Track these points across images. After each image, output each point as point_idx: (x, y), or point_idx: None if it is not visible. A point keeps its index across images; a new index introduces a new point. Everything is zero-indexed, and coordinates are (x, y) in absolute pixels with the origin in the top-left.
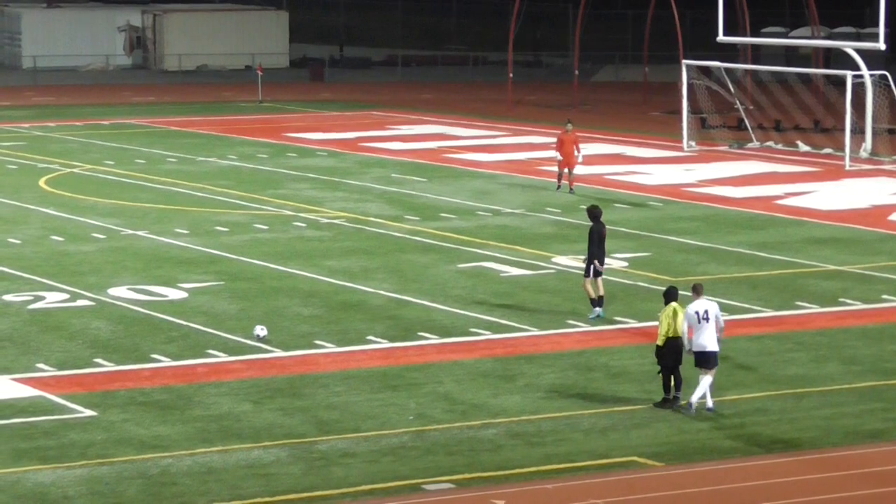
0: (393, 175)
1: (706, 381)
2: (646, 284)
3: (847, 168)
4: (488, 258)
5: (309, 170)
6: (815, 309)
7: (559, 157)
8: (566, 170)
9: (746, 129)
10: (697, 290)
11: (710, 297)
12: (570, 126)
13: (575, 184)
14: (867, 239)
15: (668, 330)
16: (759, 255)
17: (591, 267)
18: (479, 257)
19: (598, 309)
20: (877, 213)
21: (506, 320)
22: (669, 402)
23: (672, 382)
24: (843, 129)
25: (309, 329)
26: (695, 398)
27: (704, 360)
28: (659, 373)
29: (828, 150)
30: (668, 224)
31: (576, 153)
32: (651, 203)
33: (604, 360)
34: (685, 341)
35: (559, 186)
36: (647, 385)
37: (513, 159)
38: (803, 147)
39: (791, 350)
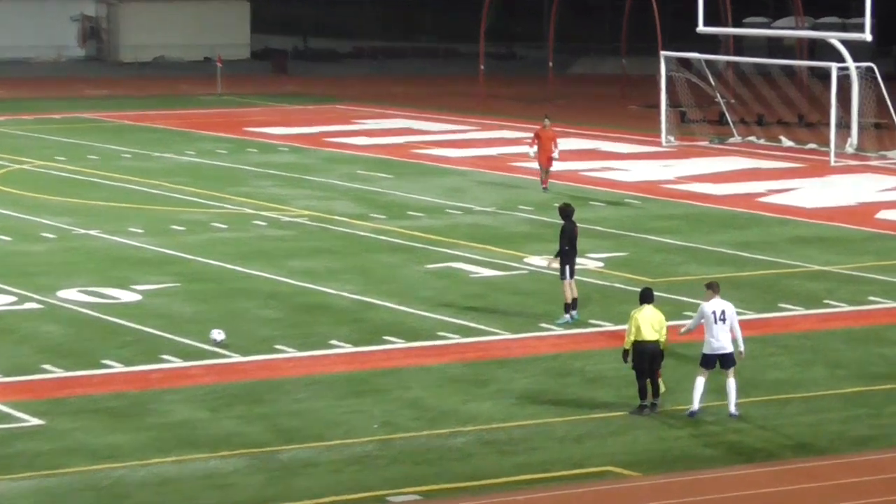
0: (359, 172)
1: (732, 385)
2: (622, 286)
3: (832, 164)
4: (458, 258)
5: (271, 166)
6: (800, 311)
7: (531, 153)
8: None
9: (728, 123)
10: (714, 289)
11: (709, 299)
12: (547, 122)
13: (549, 181)
14: (853, 238)
15: (646, 332)
16: (741, 254)
17: (567, 268)
18: (449, 257)
19: (567, 315)
20: (863, 211)
21: (476, 323)
22: (646, 408)
23: (650, 388)
24: (828, 124)
25: (270, 333)
26: (732, 405)
27: (725, 360)
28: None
29: (812, 146)
30: (646, 223)
31: (553, 150)
32: (628, 201)
33: (579, 365)
34: (662, 343)
35: (546, 188)
36: (624, 391)
37: (484, 155)
38: (787, 142)
39: (774, 354)
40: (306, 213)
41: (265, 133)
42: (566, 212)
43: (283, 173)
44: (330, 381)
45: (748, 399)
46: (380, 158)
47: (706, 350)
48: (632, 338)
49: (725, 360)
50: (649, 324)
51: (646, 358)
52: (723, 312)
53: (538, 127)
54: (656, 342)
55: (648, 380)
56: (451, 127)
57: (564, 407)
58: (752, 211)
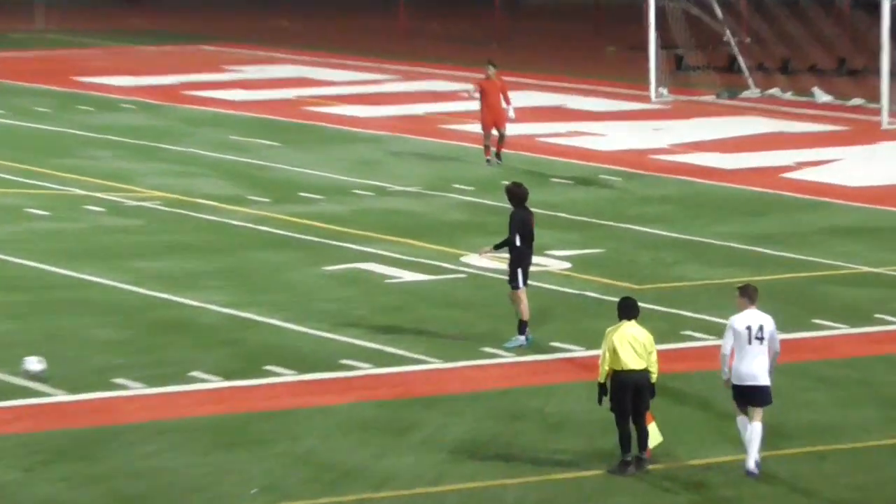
0: (232, 137)
1: (756, 430)
2: (597, 294)
3: (885, 126)
4: (370, 257)
5: (111, 130)
6: (840, 329)
7: (470, 92)
8: (494, 131)
9: (741, 71)
10: (750, 296)
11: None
12: (491, 69)
13: (504, 150)
14: None
15: (628, 359)
16: (758, 251)
17: (520, 272)
18: (357, 256)
19: (522, 337)
20: None
21: (395, 348)
22: (630, 464)
23: (635, 435)
24: (877, 72)
25: (107, 361)
26: (752, 459)
27: (754, 396)
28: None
29: (857, 101)
30: (630, 207)
31: (504, 106)
32: (605, 177)
33: (537, 405)
34: (653, 375)
35: (489, 159)
36: (600, 440)
37: (406, 115)
38: (822, 97)
39: (807, 389)
40: (159, 194)
41: (103, 84)
42: (517, 194)
43: (128, 140)
44: (190, 428)
45: (773, 452)
46: (262, 119)
47: (735, 380)
48: (607, 367)
49: (756, 396)
50: (630, 347)
51: (628, 394)
52: (760, 329)
53: (480, 76)
54: (642, 372)
55: (635, 425)
56: (360, 76)
57: (517, 463)
58: (774, 191)
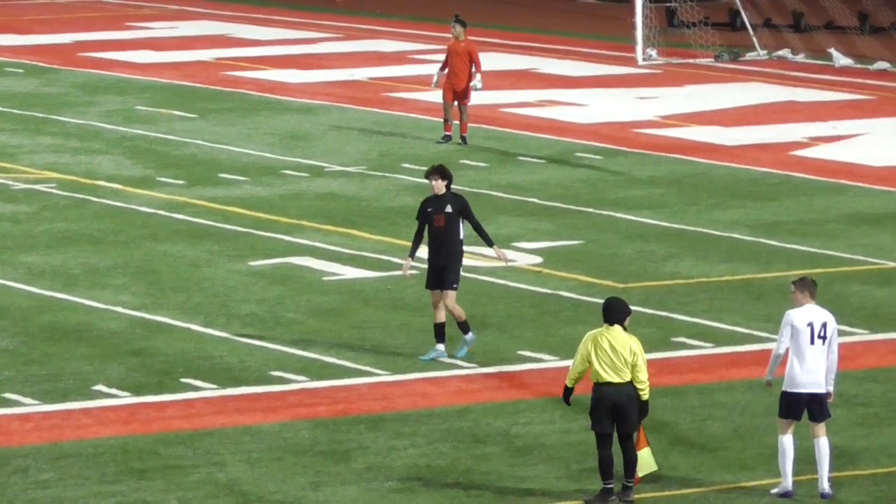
0: (139, 108)
1: (823, 446)
2: (573, 295)
3: None
4: (303, 250)
5: None
6: (863, 335)
7: (435, 81)
8: (455, 103)
9: (745, 27)
10: (810, 289)
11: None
12: (458, 28)
13: (469, 126)
14: None
15: (603, 370)
16: (766, 243)
17: (447, 274)
18: (288, 248)
19: (441, 346)
20: None
21: (334, 357)
22: (610, 493)
23: (621, 458)
24: None
25: None
26: (825, 479)
27: (814, 407)
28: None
29: (882, 65)
30: (612, 191)
31: (470, 74)
32: (582, 155)
33: (502, 425)
34: (643, 387)
35: (448, 135)
36: (574, 465)
37: (345, 80)
38: (841, 59)
39: (834, 404)
40: (51, 175)
41: None
42: (441, 173)
43: (14, 110)
44: (92, 452)
45: (769, 481)
46: (173, 85)
47: (789, 387)
48: (576, 374)
49: (816, 407)
50: (608, 356)
51: (603, 411)
52: (823, 327)
53: (447, 36)
54: (623, 386)
55: (620, 447)
56: (291, 34)
57: (479, 493)
58: (784, 171)
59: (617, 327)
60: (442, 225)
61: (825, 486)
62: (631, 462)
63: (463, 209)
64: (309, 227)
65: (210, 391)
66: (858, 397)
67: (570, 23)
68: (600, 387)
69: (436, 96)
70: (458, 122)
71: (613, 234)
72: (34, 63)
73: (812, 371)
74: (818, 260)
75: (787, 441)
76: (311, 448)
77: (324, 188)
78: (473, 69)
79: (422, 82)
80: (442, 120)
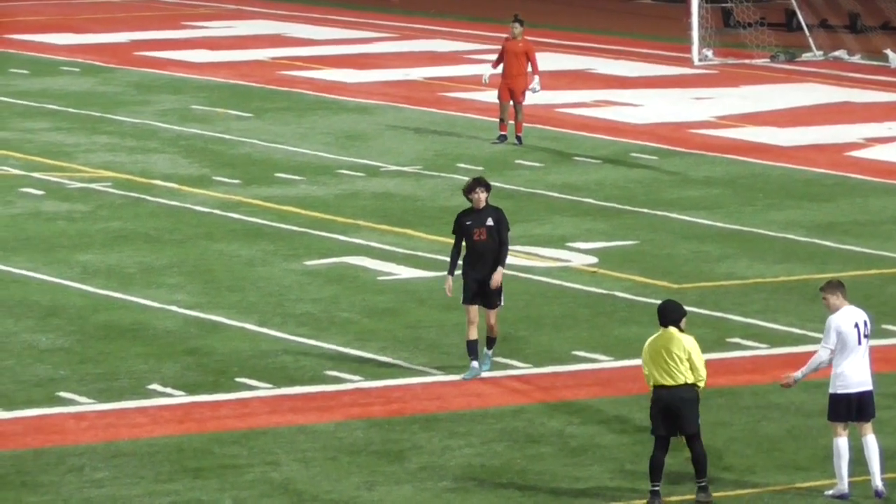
0: (194, 107)
1: (872, 444)
2: (627, 296)
3: None
4: (359, 250)
5: (49, 97)
6: None
7: (486, 78)
8: (511, 102)
9: (801, 28)
10: (842, 290)
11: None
12: (517, 28)
13: (524, 126)
14: None
15: (658, 374)
16: (821, 243)
17: (469, 283)
18: (343, 248)
19: (476, 363)
20: None
21: (388, 356)
22: (658, 497)
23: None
24: None
25: (47, 372)
26: (878, 478)
27: (864, 406)
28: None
29: None
30: (667, 192)
31: (529, 72)
32: (637, 156)
33: (557, 426)
34: (700, 383)
35: (504, 134)
36: (628, 466)
37: (401, 80)
38: None
39: (888, 406)
40: (107, 174)
41: (38, 43)
42: (483, 184)
43: (70, 109)
44: (149, 450)
45: (814, 482)
46: (229, 85)
47: (839, 388)
48: (648, 380)
49: (867, 406)
50: (663, 359)
51: (660, 412)
52: (865, 326)
53: (502, 36)
54: (679, 388)
55: (689, 446)
56: (346, 34)
57: (533, 493)
58: (840, 172)
59: (672, 329)
60: (484, 238)
61: (878, 483)
62: (698, 462)
63: (501, 222)
64: (364, 226)
65: (265, 390)
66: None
67: (626, 23)
68: (655, 390)
69: (491, 96)
70: (513, 121)
71: (668, 234)
72: (90, 62)
73: (861, 371)
74: (873, 261)
75: (842, 443)
76: (365, 448)
77: (379, 188)
78: (530, 70)
79: (477, 82)
80: (497, 119)
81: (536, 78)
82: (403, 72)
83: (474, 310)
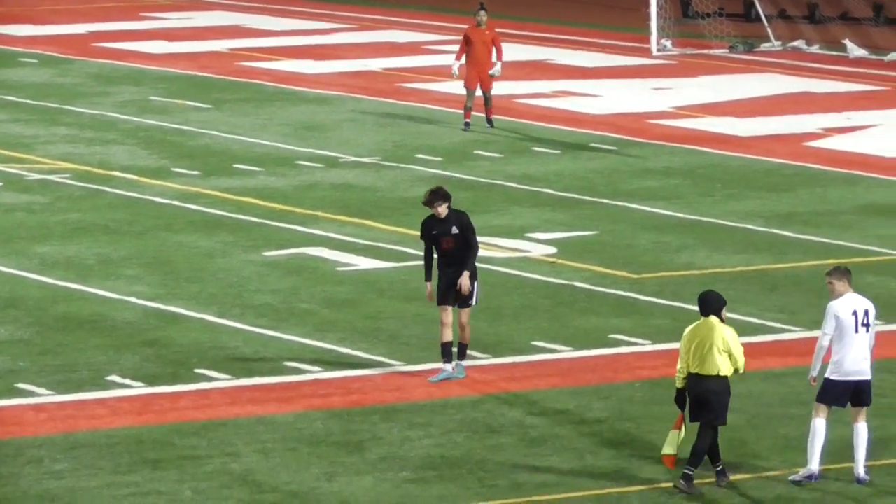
0: (153, 98)
1: (863, 431)
2: (587, 286)
3: None
4: (318, 241)
5: (7, 88)
6: (877, 326)
7: (456, 70)
8: (478, 90)
9: (759, 18)
10: (847, 277)
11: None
12: (483, 15)
13: (494, 114)
14: None
15: (692, 362)
16: (780, 234)
17: (454, 287)
18: (303, 239)
19: (448, 366)
20: None
21: (348, 347)
22: (690, 479)
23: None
24: None
25: (7, 364)
26: (861, 465)
27: (859, 393)
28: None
29: None
30: (626, 182)
31: (491, 63)
32: (596, 146)
33: (517, 416)
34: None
35: (468, 122)
36: (588, 458)
37: (360, 71)
38: (856, 51)
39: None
40: (66, 166)
41: None
42: (447, 197)
43: (27, 100)
44: (106, 442)
45: (784, 469)
46: (188, 76)
47: (834, 374)
48: (683, 373)
49: (862, 393)
50: (699, 348)
51: (692, 400)
52: (866, 314)
53: (466, 26)
54: (711, 379)
55: (698, 434)
56: (305, 25)
57: (494, 484)
58: (798, 162)
59: (713, 319)
60: (451, 247)
61: (860, 471)
62: (696, 452)
63: (466, 227)
64: (323, 217)
65: (224, 381)
66: (881, 392)
67: (585, 14)
68: (690, 378)
69: (450, 87)
70: (482, 113)
71: (628, 224)
72: (49, 53)
73: (858, 359)
74: (832, 251)
75: (820, 424)
76: (325, 439)
77: (338, 179)
78: (494, 57)
79: (436, 73)
80: (463, 109)
81: (499, 64)
82: (362, 62)
83: (448, 311)
